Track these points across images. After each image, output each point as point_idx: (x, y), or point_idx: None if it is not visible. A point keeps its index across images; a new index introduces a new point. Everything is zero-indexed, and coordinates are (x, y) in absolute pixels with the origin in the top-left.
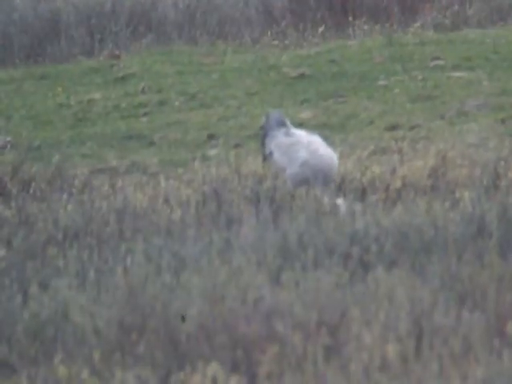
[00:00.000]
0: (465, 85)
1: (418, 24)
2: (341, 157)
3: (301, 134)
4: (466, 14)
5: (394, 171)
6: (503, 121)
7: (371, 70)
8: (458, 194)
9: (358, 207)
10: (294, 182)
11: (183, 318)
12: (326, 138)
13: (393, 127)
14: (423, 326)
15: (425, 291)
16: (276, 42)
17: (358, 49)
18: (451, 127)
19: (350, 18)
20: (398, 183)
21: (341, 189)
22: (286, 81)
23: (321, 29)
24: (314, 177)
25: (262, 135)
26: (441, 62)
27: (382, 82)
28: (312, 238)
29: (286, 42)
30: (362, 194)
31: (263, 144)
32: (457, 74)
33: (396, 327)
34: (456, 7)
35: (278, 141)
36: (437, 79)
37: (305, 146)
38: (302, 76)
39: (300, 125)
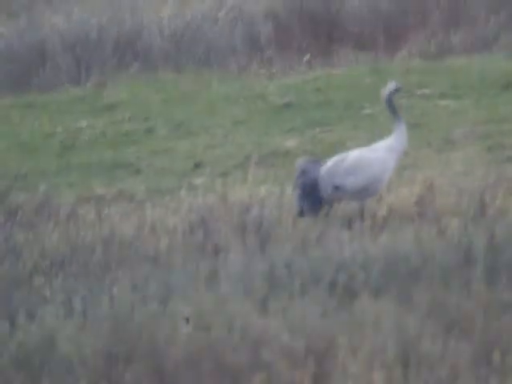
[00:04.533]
0: (451, 113)
1: (403, 52)
2: None
3: (339, 155)
4: (451, 43)
5: (380, 199)
6: (490, 149)
7: (357, 99)
8: (444, 222)
9: (345, 235)
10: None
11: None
12: None
13: None
14: (410, 353)
15: (411, 319)
16: (262, 71)
17: (343, 77)
18: (438, 155)
19: (336, 46)
20: (385, 211)
21: (328, 216)
22: (273, 109)
23: (306, 57)
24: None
25: (310, 186)
26: (427, 91)
27: (367, 111)
28: (299, 266)
29: (273, 70)
30: (349, 221)
31: (316, 191)
32: (443, 102)
33: (383, 355)
34: (441, 35)
35: (336, 169)
36: (423, 107)
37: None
38: (288, 105)
39: (286, 153)
